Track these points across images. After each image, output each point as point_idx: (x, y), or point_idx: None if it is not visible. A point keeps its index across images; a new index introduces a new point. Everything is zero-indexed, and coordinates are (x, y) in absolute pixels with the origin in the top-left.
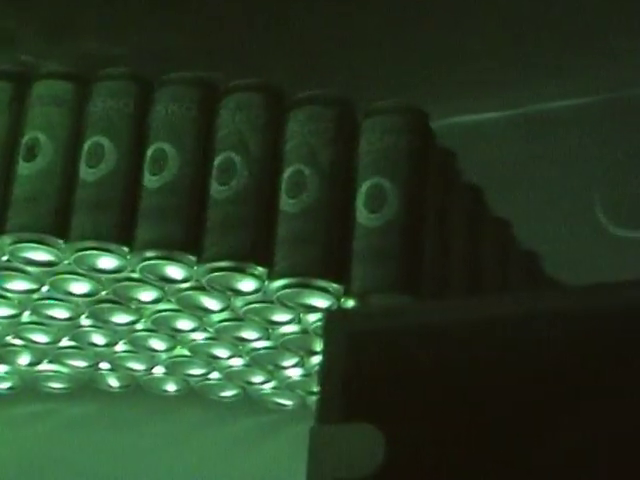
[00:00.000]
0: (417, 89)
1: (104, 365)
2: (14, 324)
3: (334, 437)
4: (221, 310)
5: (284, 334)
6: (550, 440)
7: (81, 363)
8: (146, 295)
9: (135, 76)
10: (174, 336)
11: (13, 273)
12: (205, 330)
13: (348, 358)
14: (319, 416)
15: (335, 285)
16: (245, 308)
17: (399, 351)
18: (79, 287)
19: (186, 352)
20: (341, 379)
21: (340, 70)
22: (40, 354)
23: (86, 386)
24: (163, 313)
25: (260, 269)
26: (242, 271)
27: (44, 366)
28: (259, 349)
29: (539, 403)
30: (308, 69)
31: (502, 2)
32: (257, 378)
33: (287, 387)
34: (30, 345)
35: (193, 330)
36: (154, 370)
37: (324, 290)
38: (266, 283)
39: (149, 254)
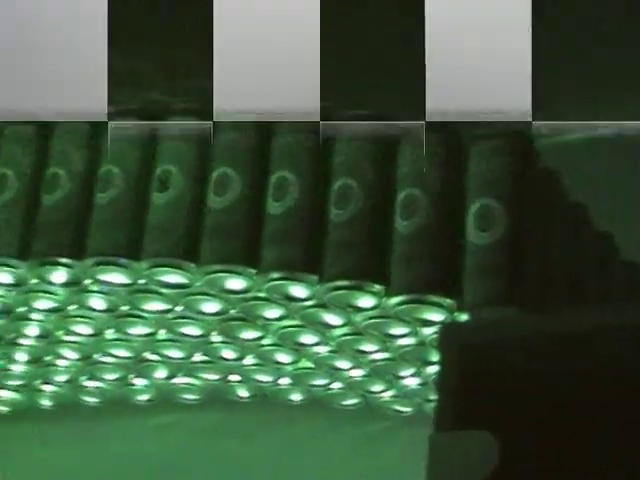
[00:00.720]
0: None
1: (234, 377)
2: (151, 341)
3: (451, 443)
4: (342, 325)
5: (401, 346)
6: None
7: (212, 376)
8: (272, 312)
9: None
10: (298, 350)
11: (150, 295)
12: (327, 344)
13: (462, 368)
14: (437, 424)
15: (448, 300)
16: (364, 323)
17: (508, 361)
18: (210, 306)
19: (310, 364)
20: (456, 389)
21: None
22: (175, 368)
23: (217, 396)
24: (288, 329)
25: (377, 287)
26: (360, 289)
27: (179, 379)
28: (378, 360)
29: None
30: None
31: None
32: (376, 387)
33: (405, 395)
34: (166, 360)
35: (316, 344)
36: (280, 381)
37: (438, 305)
38: (384, 300)
39: (274, 275)
